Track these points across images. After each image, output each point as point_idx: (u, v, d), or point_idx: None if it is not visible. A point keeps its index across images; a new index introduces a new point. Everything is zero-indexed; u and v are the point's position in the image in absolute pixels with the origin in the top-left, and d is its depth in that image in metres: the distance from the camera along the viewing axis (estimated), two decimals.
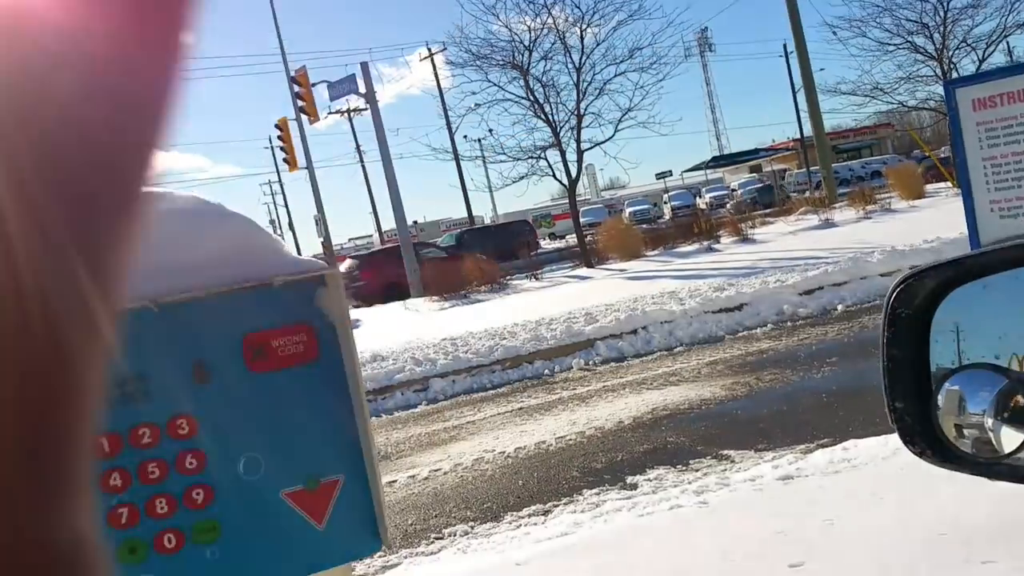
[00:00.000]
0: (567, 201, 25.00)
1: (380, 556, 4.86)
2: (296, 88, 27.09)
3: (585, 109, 21.93)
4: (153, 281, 0.90)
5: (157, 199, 0.79)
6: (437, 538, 5.01)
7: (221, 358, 0.96)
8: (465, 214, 45.50)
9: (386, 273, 25.19)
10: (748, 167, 64.51)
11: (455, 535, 5.00)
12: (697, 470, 5.47)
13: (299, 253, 1.16)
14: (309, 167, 34.50)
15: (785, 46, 40.70)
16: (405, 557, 4.76)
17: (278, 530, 1.03)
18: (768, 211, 31.33)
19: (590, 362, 10.09)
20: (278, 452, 1.02)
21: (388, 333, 13.80)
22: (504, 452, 6.70)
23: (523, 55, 21.93)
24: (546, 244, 44.89)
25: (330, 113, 36.54)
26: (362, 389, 1.04)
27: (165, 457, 0.96)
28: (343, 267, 25.13)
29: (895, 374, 1.00)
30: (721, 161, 68.38)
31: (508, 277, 22.61)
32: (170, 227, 0.95)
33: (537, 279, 21.69)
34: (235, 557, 1.00)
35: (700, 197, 53.03)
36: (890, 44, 24.57)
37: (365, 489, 1.09)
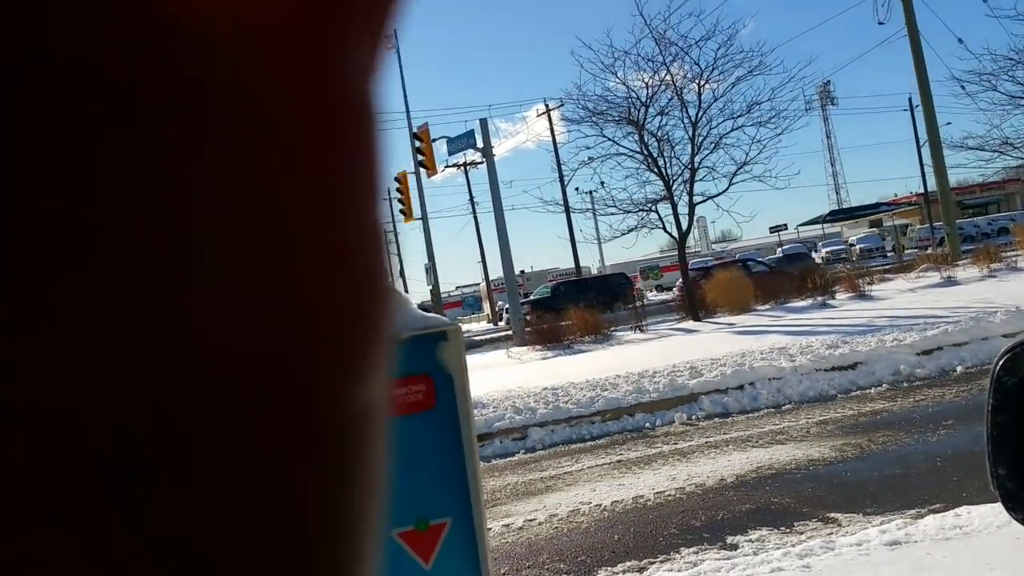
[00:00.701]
0: (675, 253, 24.76)
1: None
2: (417, 143, 28.01)
3: (699, 163, 21.83)
4: None
5: None
6: None
7: None
8: (572, 264, 45.59)
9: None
10: (868, 221, 62.54)
11: None
12: (801, 532, 5.25)
13: None
14: (423, 218, 35.43)
15: (910, 99, 39.63)
16: None
17: (388, 568, 1.07)
18: (887, 267, 30.19)
19: (693, 417, 9.88)
20: (394, 494, 1.06)
21: (489, 380, 13.88)
22: (600, 505, 6.60)
23: (639, 111, 22.05)
24: (652, 296, 44.46)
25: (447, 167, 37.55)
26: (474, 437, 1.08)
27: None
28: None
29: (999, 441, 1.03)
30: (840, 215, 66.52)
31: (612, 328, 22.46)
32: None
33: (642, 331, 21.47)
34: None
35: (816, 252, 51.59)
36: (1023, 98, 23.56)
37: (471, 532, 1.12)
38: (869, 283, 22.53)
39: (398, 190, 31.31)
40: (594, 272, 58.10)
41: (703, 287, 23.72)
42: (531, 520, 6.40)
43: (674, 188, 21.91)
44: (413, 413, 1.15)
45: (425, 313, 1.16)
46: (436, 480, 1.16)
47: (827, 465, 6.87)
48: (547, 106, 40.53)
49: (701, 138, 21.82)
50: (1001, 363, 1.03)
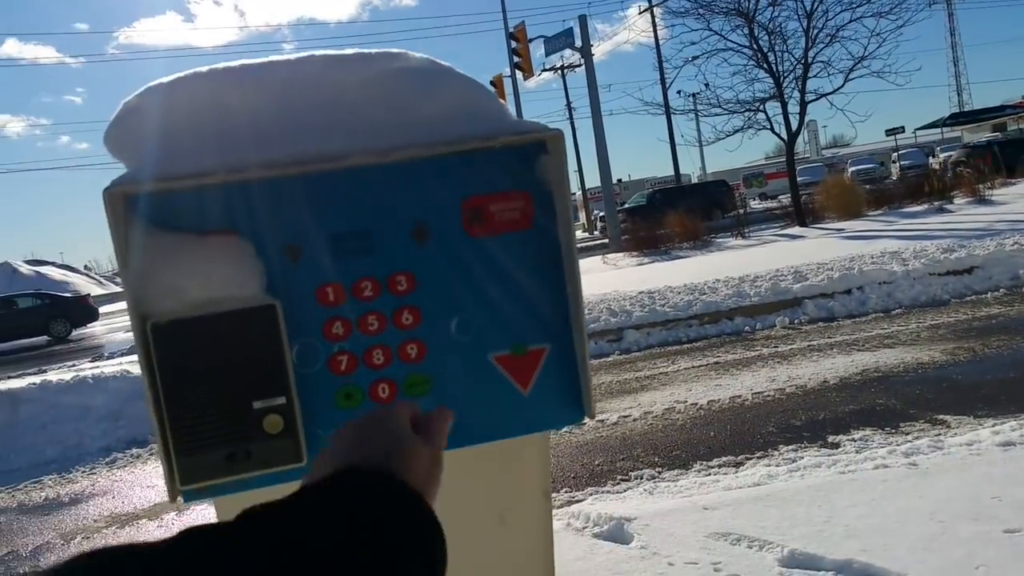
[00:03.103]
0: (782, 159, 23.83)
1: (565, 489, 4.88)
2: (513, 44, 27.44)
3: (813, 58, 20.66)
4: (383, 136, 0.92)
5: (390, 58, 0.77)
6: (623, 479, 4.96)
7: (440, 220, 0.98)
8: (672, 171, 44.55)
9: None
10: (991, 125, 58.61)
11: (641, 478, 4.93)
12: (908, 433, 5.06)
13: None
14: None
15: None
16: (590, 494, 4.74)
17: (485, 391, 1.03)
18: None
19: (796, 321, 9.61)
20: (489, 316, 1.02)
21: (584, 284, 13.77)
22: (696, 404, 6.52)
23: (749, 1, 20.91)
24: (756, 204, 43.16)
25: (543, 70, 36.80)
26: (575, 261, 1.01)
27: (384, 311, 0.98)
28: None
29: None
30: (961, 118, 62.50)
31: (711, 235, 21.96)
32: (402, 85, 0.95)
33: (743, 237, 20.91)
34: None
35: (934, 157, 48.85)
36: None
37: (572, 360, 1.06)
38: (989, 187, 21.24)
39: None
40: (694, 179, 56.71)
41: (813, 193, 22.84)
42: (625, 416, 6.38)
43: (784, 85, 20.89)
44: (509, 232, 1.08)
45: (522, 119, 1.07)
46: (534, 304, 1.09)
47: (937, 368, 6.58)
48: (650, 1, 38.97)
49: (816, 30, 20.57)
50: None
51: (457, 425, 1.07)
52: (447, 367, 1.02)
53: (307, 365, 0.95)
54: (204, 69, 0.92)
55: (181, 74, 0.92)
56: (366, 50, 0.98)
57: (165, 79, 0.92)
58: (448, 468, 1.20)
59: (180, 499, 0.87)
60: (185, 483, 0.85)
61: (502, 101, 1.04)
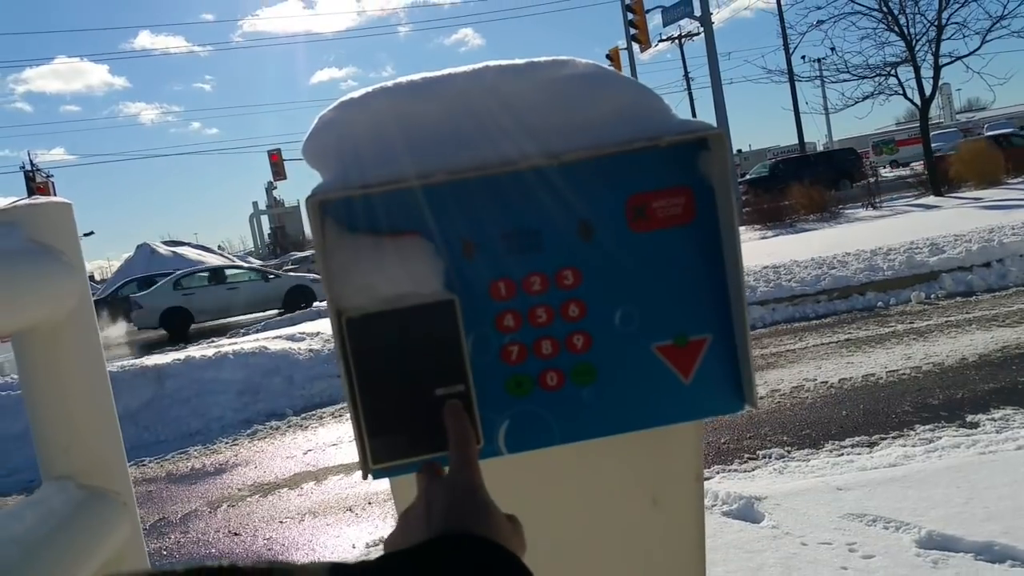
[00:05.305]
0: (914, 125, 22.71)
1: None
2: (630, 16, 27.07)
3: (948, 19, 19.58)
4: (553, 140, 0.98)
5: (559, 65, 0.84)
6: (751, 458, 4.92)
7: (605, 217, 1.03)
8: (796, 140, 43.05)
9: None
10: None
11: (770, 457, 4.87)
12: None
13: None
14: None
15: None
16: (717, 472, 4.73)
17: (648, 380, 1.09)
18: None
19: (932, 295, 9.22)
20: (652, 308, 1.08)
21: None
22: (827, 382, 6.37)
23: None
24: (887, 172, 41.27)
25: (661, 40, 36.09)
26: (738, 253, 1.05)
27: (551, 304, 1.05)
28: None
29: None
30: None
31: (840, 206, 21.17)
32: (571, 90, 1.01)
33: (874, 208, 20.09)
34: (608, 399, 1.08)
35: None
36: None
37: (732, 349, 1.11)
38: None
39: None
40: (819, 148, 54.63)
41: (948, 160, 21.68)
42: None
43: (917, 49, 19.87)
44: (672, 227, 1.13)
45: (686, 118, 1.11)
46: (695, 295, 1.13)
47: None
48: None
49: None
50: None
51: (621, 412, 1.12)
52: (612, 357, 1.07)
53: (482, 355, 1.02)
54: (390, 83, 1.00)
55: (368, 89, 1.01)
56: (536, 59, 1.04)
57: (355, 94, 1.01)
58: (604, 454, 1.26)
59: (371, 476, 0.96)
60: (376, 462, 0.94)
61: (666, 102, 1.07)
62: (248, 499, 5.84)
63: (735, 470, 4.75)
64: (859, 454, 4.67)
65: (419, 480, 0.79)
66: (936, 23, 19.60)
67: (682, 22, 29.12)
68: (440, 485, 0.74)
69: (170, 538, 5.25)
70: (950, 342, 6.98)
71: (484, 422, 1.01)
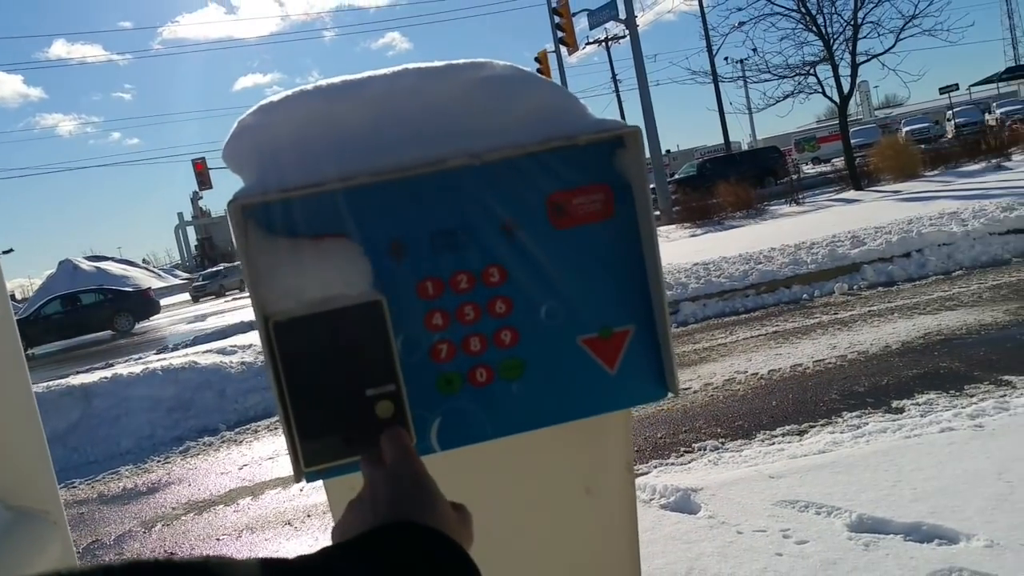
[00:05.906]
0: (834, 122, 23.40)
1: None
2: (557, 19, 27.29)
3: (863, 18, 20.21)
4: (474, 141, 1.00)
5: (477, 67, 0.86)
6: (687, 451, 5.01)
7: (528, 215, 1.06)
8: (721, 140, 43.93)
9: None
10: None
11: (705, 449, 4.97)
12: (972, 395, 5.02)
13: None
14: None
15: None
16: (655, 466, 4.81)
17: (575, 372, 1.12)
18: None
19: (855, 287, 9.51)
20: (576, 302, 1.11)
21: None
22: (757, 374, 6.52)
23: None
24: (809, 169, 42.39)
25: (588, 43, 36.48)
26: (656, 246, 1.08)
27: (479, 301, 1.06)
28: None
29: None
30: (1017, 72, 60.42)
31: (765, 203, 21.68)
32: (489, 91, 1.03)
33: (797, 203, 20.62)
34: (537, 393, 1.11)
35: (990, 113, 47.39)
36: None
37: (654, 339, 1.14)
38: None
39: (538, 71, 30.79)
40: (744, 147, 55.83)
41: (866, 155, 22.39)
42: (685, 389, 6.42)
43: (835, 48, 20.48)
44: (591, 223, 1.16)
45: (601, 118, 1.14)
46: (617, 288, 1.17)
47: (1000, 329, 6.48)
48: None
49: None
50: None
51: (550, 404, 1.15)
52: (539, 351, 1.10)
53: (411, 354, 1.04)
54: (309, 87, 1.01)
55: (287, 92, 1.01)
56: (454, 61, 1.06)
57: (275, 97, 1.01)
58: (539, 445, 1.29)
59: (304, 479, 0.97)
60: (308, 465, 0.94)
61: (582, 102, 1.11)
62: (183, 517, 5.71)
63: (672, 463, 4.84)
64: (790, 442, 4.80)
65: (364, 468, 0.79)
66: (852, 22, 20.23)
67: (608, 25, 29.56)
68: (386, 474, 0.74)
69: (104, 560, 5.10)
70: (873, 331, 7.21)
71: (416, 420, 1.02)
